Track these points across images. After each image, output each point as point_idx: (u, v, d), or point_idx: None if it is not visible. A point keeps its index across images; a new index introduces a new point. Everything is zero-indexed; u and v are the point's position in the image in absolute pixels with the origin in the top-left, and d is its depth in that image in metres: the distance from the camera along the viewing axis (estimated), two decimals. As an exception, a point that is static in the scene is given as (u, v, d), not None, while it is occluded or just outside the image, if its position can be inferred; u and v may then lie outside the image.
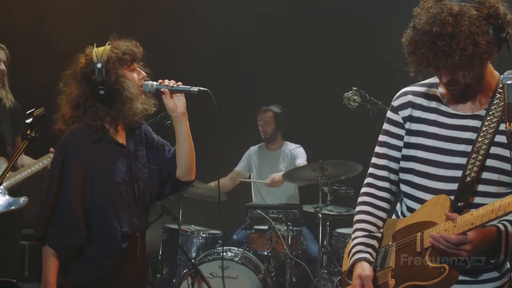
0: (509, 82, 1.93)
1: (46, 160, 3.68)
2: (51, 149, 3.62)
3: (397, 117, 2.12)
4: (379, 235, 2.11)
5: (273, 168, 5.20)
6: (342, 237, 4.76)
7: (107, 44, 2.48)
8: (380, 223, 2.13)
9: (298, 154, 5.19)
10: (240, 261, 4.37)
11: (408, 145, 2.09)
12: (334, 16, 5.61)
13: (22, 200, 3.74)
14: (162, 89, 2.48)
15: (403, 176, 2.12)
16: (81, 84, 2.43)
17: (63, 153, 2.41)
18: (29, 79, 5.34)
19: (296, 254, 4.65)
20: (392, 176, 2.15)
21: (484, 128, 1.97)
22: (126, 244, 2.43)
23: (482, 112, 1.99)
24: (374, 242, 2.09)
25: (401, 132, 2.11)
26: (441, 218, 1.93)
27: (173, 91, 2.48)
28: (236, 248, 4.54)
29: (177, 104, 2.48)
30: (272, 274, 4.57)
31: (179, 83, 2.51)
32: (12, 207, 3.73)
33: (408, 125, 2.10)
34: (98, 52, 2.42)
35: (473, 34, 1.83)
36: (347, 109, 4.42)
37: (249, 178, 5.52)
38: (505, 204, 1.77)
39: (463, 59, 1.84)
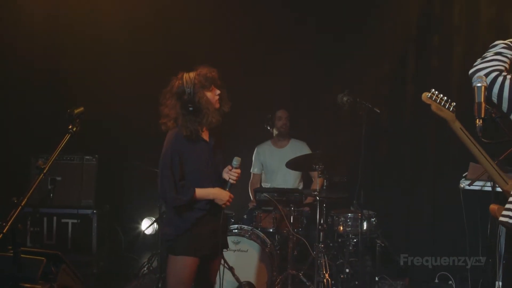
0: (478, 84, 2.35)
1: None
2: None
3: None
4: None
5: (284, 164, 5.11)
6: (336, 216, 5.14)
7: (194, 72, 3.26)
8: None
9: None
10: (249, 237, 4.67)
11: None
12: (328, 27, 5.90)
13: None
14: (231, 171, 3.35)
15: None
16: (177, 101, 3.27)
17: (170, 148, 3.23)
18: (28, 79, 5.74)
19: (297, 231, 4.92)
20: None
21: None
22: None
23: None
24: None
25: None
26: None
27: (230, 178, 3.34)
28: (246, 226, 4.84)
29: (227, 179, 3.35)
30: (276, 248, 4.85)
31: (235, 179, 3.35)
32: None
33: None
34: (188, 78, 3.22)
35: None
36: (340, 108, 4.83)
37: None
38: None
39: None
